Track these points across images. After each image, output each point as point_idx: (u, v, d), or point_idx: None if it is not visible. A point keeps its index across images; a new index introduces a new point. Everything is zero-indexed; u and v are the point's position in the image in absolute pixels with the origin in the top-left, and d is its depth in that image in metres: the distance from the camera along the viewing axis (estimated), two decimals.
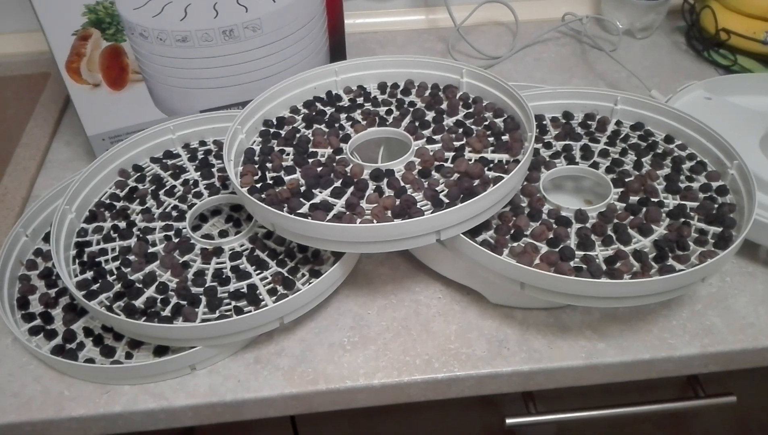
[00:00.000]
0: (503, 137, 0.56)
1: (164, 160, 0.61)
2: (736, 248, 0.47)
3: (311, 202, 0.51)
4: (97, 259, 0.52)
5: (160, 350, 0.48)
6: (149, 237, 0.54)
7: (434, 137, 0.57)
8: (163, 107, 0.63)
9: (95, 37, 0.57)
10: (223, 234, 0.57)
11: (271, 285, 0.50)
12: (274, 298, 0.49)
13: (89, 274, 0.51)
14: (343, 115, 0.60)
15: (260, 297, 0.49)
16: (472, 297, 0.54)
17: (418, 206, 0.50)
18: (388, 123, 0.59)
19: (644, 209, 0.52)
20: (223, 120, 0.63)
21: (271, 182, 0.53)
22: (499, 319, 0.52)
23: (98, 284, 0.50)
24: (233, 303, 0.49)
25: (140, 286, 0.50)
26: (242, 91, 0.64)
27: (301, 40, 0.63)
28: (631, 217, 0.51)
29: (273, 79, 0.64)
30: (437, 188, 0.51)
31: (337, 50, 0.67)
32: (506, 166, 0.53)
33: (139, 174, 0.60)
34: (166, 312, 0.48)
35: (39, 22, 0.54)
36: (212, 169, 0.60)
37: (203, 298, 0.49)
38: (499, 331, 0.51)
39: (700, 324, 0.51)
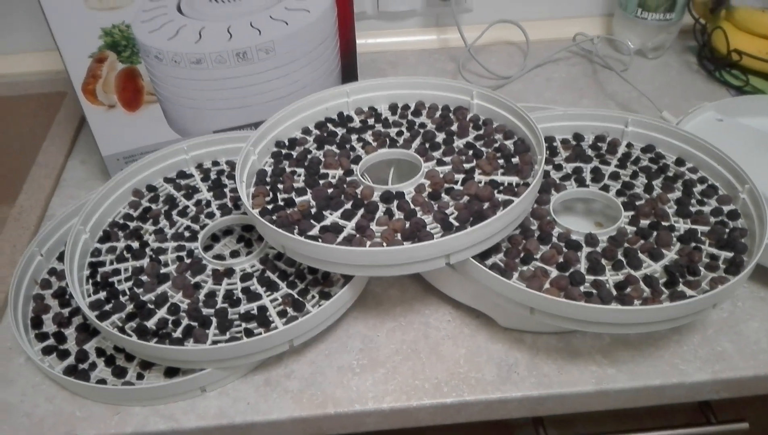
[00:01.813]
0: (513, 159, 0.56)
1: (177, 180, 0.62)
2: (748, 274, 0.47)
3: (322, 224, 0.52)
4: (110, 280, 0.53)
5: (171, 371, 0.49)
6: (162, 257, 0.54)
7: (444, 159, 0.57)
8: (177, 128, 0.64)
9: (111, 60, 0.58)
10: (234, 254, 0.58)
11: (282, 307, 0.50)
12: (284, 320, 0.49)
13: (102, 295, 0.52)
14: (354, 137, 0.61)
15: (270, 319, 0.49)
16: (481, 320, 0.54)
17: (427, 229, 0.50)
18: (398, 144, 0.59)
19: (655, 233, 0.52)
20: (236, 140, 0.63)
21: (282, 204, 0.54)
22: (509, 343, 0.52)
23: (111, 305, 0.51)
24: (243, 325, 0.49)
25: (152, 306, 0.50)
26: (255, 111, 0.65)
27: (313, 62, 0.64)
28: (642, 242, 0.51)
29: (285, 100, 0.64)
30: (447, 211, 0.52)
31: (348, 71, 0.68)
32: (516, 189, 0.53)
33: (152, 194, 0.60)
34: (177, 333, 0.48)
35: (56, 45, 0.55)
36: (225, 190, 0.60)
37: (214, 320, 0.49)
38: (508, 355, 0.51)
39: (711, 350, 0.51)
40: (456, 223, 0.50)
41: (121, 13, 0.55)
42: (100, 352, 0.50)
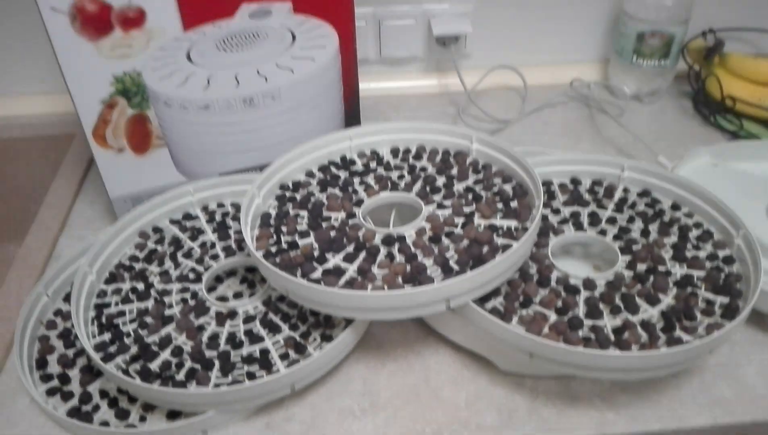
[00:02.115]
0: (512, 203, 0.57)
1: (183, 222, 0.63)
2: (743, 319, 0.47)
3: (324, 267, 0.53)
4: (115, 321, 0.54)
5: (174, 414, 0.49)
6: (166, 299, 0.55)
7: (444, 203, 0.58)
8: (184, 170, 0.65)
9: (121, 106, 0.59)
10: (237, 295, 0.59)
11: (284, 349, 0.51)
12: (286, 363, 0.50)
13: (107, 336, 0.52)
14: (356, 180, 0.62)
15: (272, 362, 0.50)
16: (482, 363, 0.54)
17: (428, 273, 0.51)
18: (400, 188, 0.61)
19: (652, 278, 0.53)
20: (241, 183, 0.65)
21: (285, 247, 0.55)
22: (509, 386, 0.52)
23: (115, 346, 0.51)
24: (246, 368, 0.49)
25: (156, 348, 0.51)
26: (260, 155, 0.66)
27: (317, 108, 0.66)
28: (639, 286, 0.52)
29: (290, 143, 0.66)
30: (447, 254, 0.53)
31: (351, 116, 0.70)
32: (515, 233, 0.54)
33: (158, 235, 0.62)
34: (180, 376, 0.49)
35: (68, 91, 0.57)
36: (229, 231, 0.61)
37: (217, 362, 0.50)
38: (509, 399, 0.51)
39: (709, 394, 0.51)
40: (456, 267, 0.51)
41: (132, 61, 0.57)
42: (103, 393, 0.51)
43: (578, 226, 0.59)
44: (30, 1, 0.79)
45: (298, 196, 0.61)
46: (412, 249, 0.53)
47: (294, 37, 0.61)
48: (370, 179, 0.62)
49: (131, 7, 0.54)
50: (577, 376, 0.52)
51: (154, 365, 0.50)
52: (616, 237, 0.57)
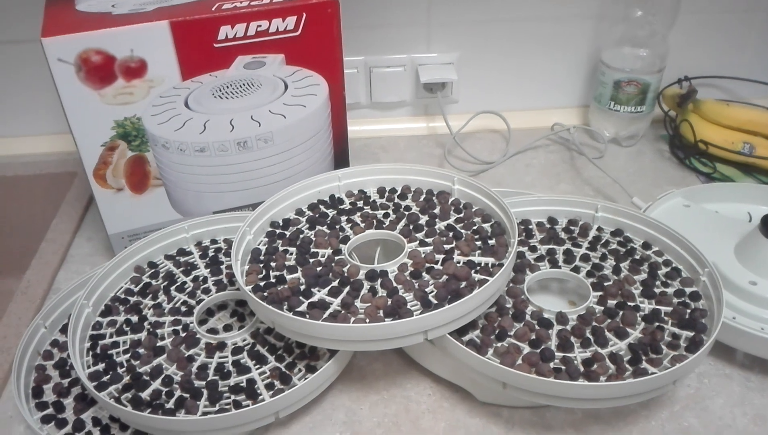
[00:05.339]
0: (490, 241, 0.60)
1: (177, 258, 0.66)
2: (706, 352, 0.50)
3: (310, 300, 0.55)
4: (109, 352, 0.56)
5: None
6: (159, 331, 0.58)
7: (426, 240, 0.61)
8: (180, 209, 0.68)
9: (122, 148, 0.63)
10: (227, 328, 0.61)
11: (269, 380, 0.53)
12: (271, 392, 0.52)
13: (101, 366, 0.55)
14: (343, 218, 0.65)
15: (258, 391, 0.52)
16: (460, 394, 0.56)
17: (408, 306, 0.53)
18: (384, 226, 0.64)
19: (621, 313, 0.55)
20: (234, 220, 0.68)
21: (273, 281, 0.58)
22: (486, 417, 0.54)
23: (109, 376, 0.54)
24: (232, 397, 0.52)
25: (147, 378, 0.53)
26: (253, 194, 0.70)
27: (308, 150, 0.70)
28: (609, 321, 0.55)
29: (281, 184, 0.69)
30: (427, 289, 0.55)
31: (341, 157, 0.73)
32: (491, 269, 0.57)
33: (153, 270, 0.64)
34: (170, 404, 0.51)
35: (72, 134, 0.60)
36: (221, 266, 0.64)
37: (205, 392, 0.52)
38: (485, 429, 0.53)
39: (678, 425, 0.53)
40: (434, 301, 0.54)
41: (133, 107, 0.61)
42: (96, 421, 0.53)
43: (553, 263, 0.62)
44: (35, 50, 0.83)
45: (287, 233, 0.64)
46: (394, 284, 0.56)
47: (286, 86, 0.65)
48: (357, 217, 0.65)
49: (134, 59, 0.58)
50: (552, 406, 0.55)
51: (145, 394, 0.52)
52: (588, 274, 0.60)
